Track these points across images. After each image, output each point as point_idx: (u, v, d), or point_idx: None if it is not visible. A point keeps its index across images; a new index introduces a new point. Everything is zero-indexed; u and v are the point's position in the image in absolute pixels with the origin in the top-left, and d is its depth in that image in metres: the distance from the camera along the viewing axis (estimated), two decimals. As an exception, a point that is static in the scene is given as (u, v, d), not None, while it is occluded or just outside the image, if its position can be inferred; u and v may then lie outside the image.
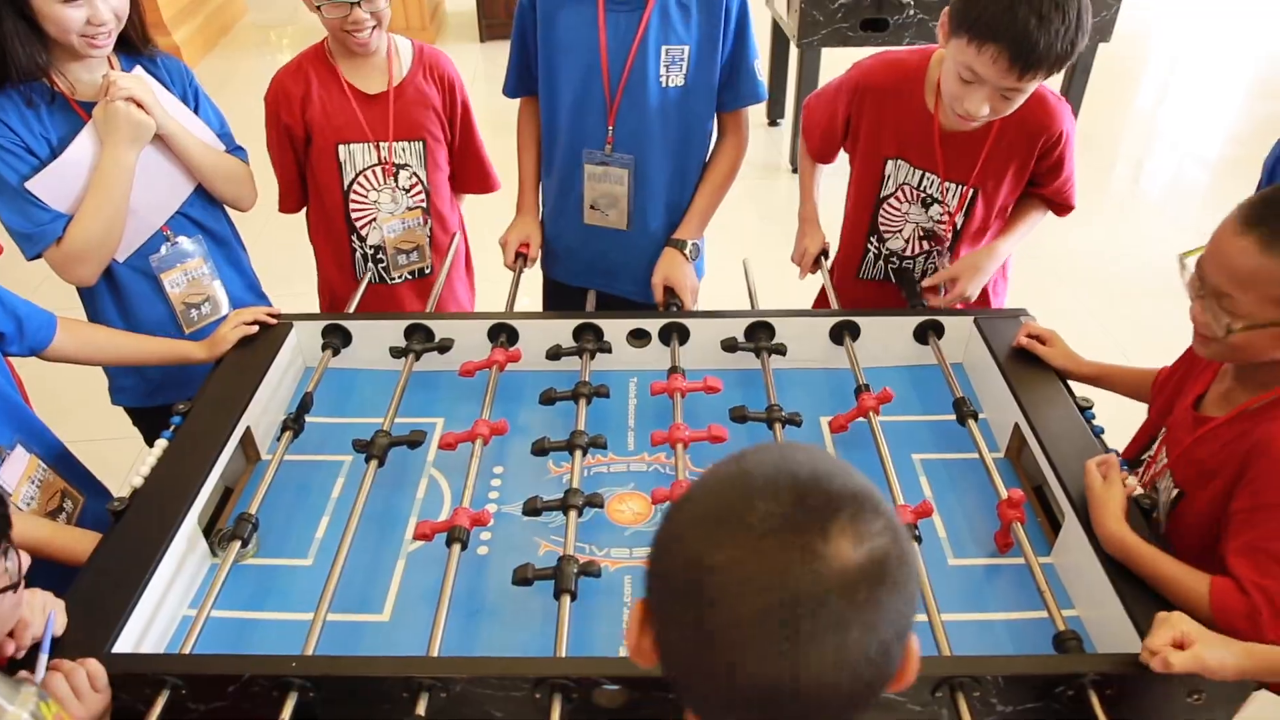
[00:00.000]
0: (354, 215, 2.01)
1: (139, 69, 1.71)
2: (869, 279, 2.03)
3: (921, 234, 1.93)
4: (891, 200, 1.92)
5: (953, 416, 1.63)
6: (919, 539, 1.35)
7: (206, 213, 1.86)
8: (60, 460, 1.54)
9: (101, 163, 1.64)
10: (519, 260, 2.09)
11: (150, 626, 1.28)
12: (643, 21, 1.78)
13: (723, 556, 0.59)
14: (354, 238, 2.04)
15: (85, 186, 1.64)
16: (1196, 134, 5.20)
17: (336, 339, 1.81)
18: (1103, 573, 1.26)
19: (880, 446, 1.52)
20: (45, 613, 1.14)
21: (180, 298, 1.83)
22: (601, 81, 1.83)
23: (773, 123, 5.23)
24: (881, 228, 1.96)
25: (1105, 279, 3.74)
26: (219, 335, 1.69)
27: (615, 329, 1.80)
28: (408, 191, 2.02)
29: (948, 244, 1.93)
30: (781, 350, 1.76)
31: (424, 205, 2.04)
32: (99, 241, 1.67)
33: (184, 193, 1.80)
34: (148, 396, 1.90)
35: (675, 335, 1.79)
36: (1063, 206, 1.92)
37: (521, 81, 1.99)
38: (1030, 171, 1.82)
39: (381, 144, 1.95)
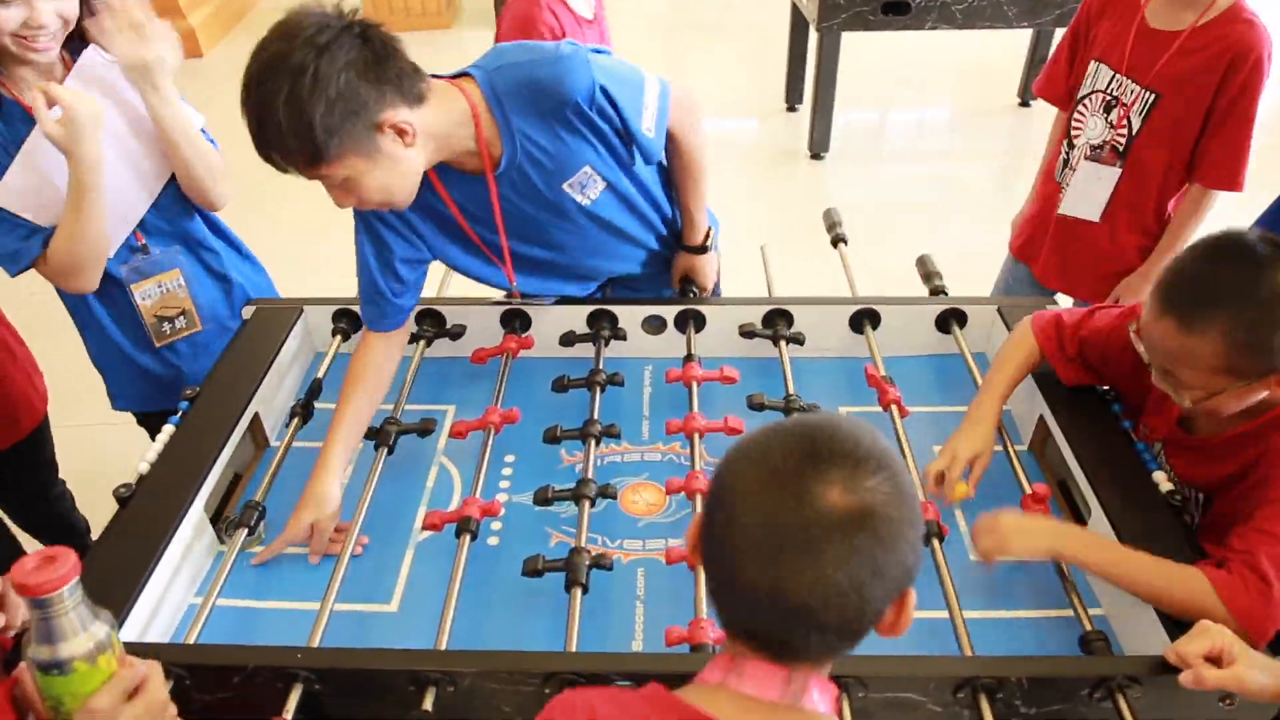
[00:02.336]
0: None
1: (91, 52, 1.57)
2: (1058, 182, 2.08)
3: (1089, 152, 1.96)
4: (1083, 103, 1.97)
5: (975, 408, 1.58)
6: (941, 536, 1.31)
7: (185, 219, 1.75)
8: None
9: (71, 171, 1.48)
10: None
11: (155, 615, 1.27)
12: (492, 191, 1.51)
13: (742, 483, 0.74)
14: None
15: (56, 191, 1.52)
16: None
17: (346, 323, 1.78)
18: (1131, 571, 1.22)
19: (900, 437, 1.49)
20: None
21: (151, 310, 1.72)
22: (484, 255, 1.62)
23: (791, 108, 5.16)
24: (1072, 131, 2.02)
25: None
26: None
27: (630, 315, 1.77)
28: None
29: (1118, 162, 1.93)
30: (800, 339, 1.73)
31: None
32: (89, 248, 1.55)
33: (160, 179, 1.67)
34: (147, 401, 1.85)
35: (691, 322, 1.76)
36: (1226, 177, 1.85)
37: (388, 308, 1.60)
38: (1213, 96, 1.79)
39: None
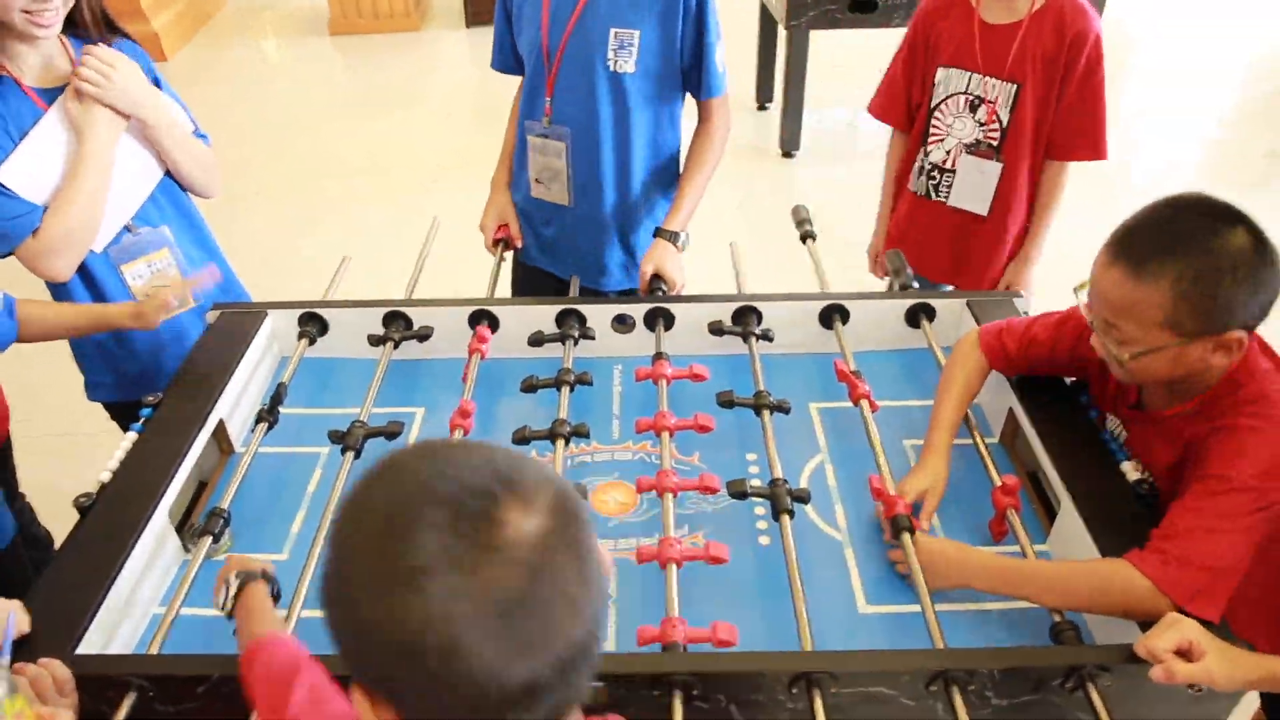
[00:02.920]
0: None
1: (103, 48, 1.63)
2: (913, 192, 2.17)
3: (965, 147, 2.03)
4: (939, 109, 2.04)
5: (945, 401, 1.58)
6: (913, 530, 1.31)
7: (174, 201, 1.79)
8: None
9: (82, 150, 1.56)
10: (499, 245, 2.05)
11: (118, 626, 1.24)
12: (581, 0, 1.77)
13: (438, 608, 0.57)
14: None
15: (59, 175, 1.57)
16: (1187, 117, 5.17)
17: (313, 327, 1.76)
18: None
19: (871, 432, 1.49)
20: (2, 614, 1.09)
21: (143, 290, 1.72)
22: (542, 55, 1.84)
23: (761, 106, 5.18)
24: (929, 139, 2.07)
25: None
26: (152, 304, 1.55)
27: (599, 314, 1.76)
28: None
29: (995, 155, 2.01)
30: (769, 336, 1.72)
31: None
32: (78, 232, 1.58)
33: (156, 176, 1.73)
34: (123, 391, 1.83)
35: (660, 320, 1.75)
36: (1091, 147, 1.97)
37: (502, 54, 1.99)
38: (1064, 72, 1.90)
39: None
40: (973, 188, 2.07)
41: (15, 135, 1.54)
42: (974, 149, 2.03)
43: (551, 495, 0.62)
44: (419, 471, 0.62)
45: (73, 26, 1.59)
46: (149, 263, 1.73)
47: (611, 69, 1.81)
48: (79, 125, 1.57)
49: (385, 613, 0.57)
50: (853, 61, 5.57)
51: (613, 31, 1.78)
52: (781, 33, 4.43)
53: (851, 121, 5.21)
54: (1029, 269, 2.11)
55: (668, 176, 2.00)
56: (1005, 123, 1.98)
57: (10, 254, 1.58)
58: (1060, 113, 1.95)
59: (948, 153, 2.07)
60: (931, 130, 2.08)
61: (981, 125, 2.01)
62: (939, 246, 2.17)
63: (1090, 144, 1.97)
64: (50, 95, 1.58)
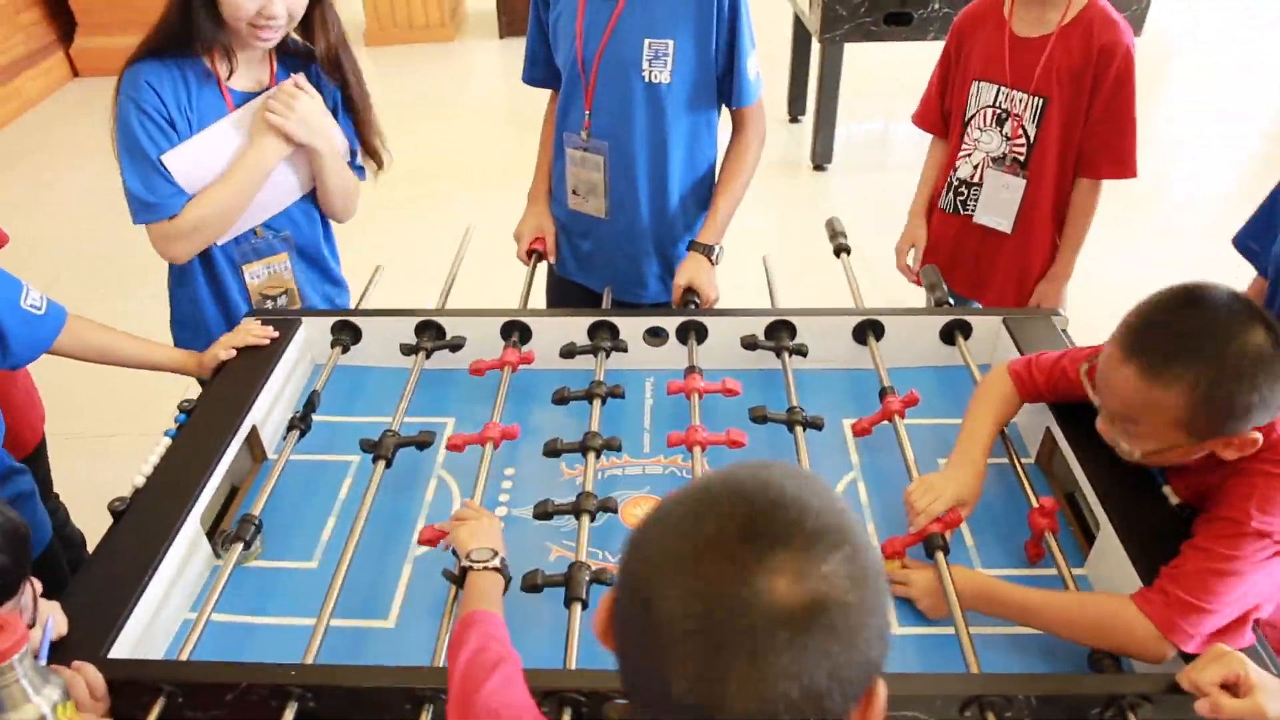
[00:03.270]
0: None
1: (300, 77, 1.74)
2: (941, 209, 2.17)
3: (990, 162, 2.02)
4: (970, 124, 2.03)
5: (981, 420, 1.56)
6: (946, 549, 1.29)
7: (304, 212, 1.87)
8: None
9: (245, 157, 1.68)
10: (532, 256, 2.05)
11: (149, 630, 1.25)
12: (617, 10, 1.78)
13: (667, 566, 0.59)
14: None
15: (215, 171, 1.67)
16: (1229, 127, 5.09)
17: (346, 336, 1.77)
18: (1141, 586, 1.20)
19: (905, 451, 1.47)
20: (42, 616, 1.10)
21: (258, 288, 1.85)
22: (578, 68, 1.84)
23: (794, 119, 5.16)
24: (958, 156, 2.06)
25: (1130, 283, 3.65)
26: (208, 353, 1.66)
27: (631, 327, 1.76)
28: None
29: (1020, 171, 1.99)
30: (803, 351, 1.71)
31: None
32: (211, 226, 1.70)
33: (297, 195, 1.83)
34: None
35: (693, 334, 1.74)
36: (1118, 164, 1.94)
37: (533, 67, 2.00)
38: (1092, 87, 1.87)
39: None
40: (997, 204, 2.06)
41: (195, 125, 1.65)
42: (1000, 164, 2.02)
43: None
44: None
45: (285, 50, 1.73)
46: (267, 265, 1.84)
47: (647, 80, 1.81)
48: (254, 136, 1.68)
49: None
50: (886, 75, 5.55)
51: (647, 42, 1.78)
52: (815, 45, 4.42)
53: (884, 134, 5.19)
54: (1059, 287, 2.08)
55: (704, 188, 1.99)
56: (1032, 138, 1.96)
57: (147, 223, 1.67)
58: (1088, 128, 1.93)
59: (975, 167, 2.06)
60: (962, 145, 2.07)
61: (1008, 140, 2.00)
62: (964, 262, 2.17)
63: (1117, 161, 1.94)
64: (241, 98, 1.69)
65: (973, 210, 2.10)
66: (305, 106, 1.71)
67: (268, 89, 1.73)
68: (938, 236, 2.20)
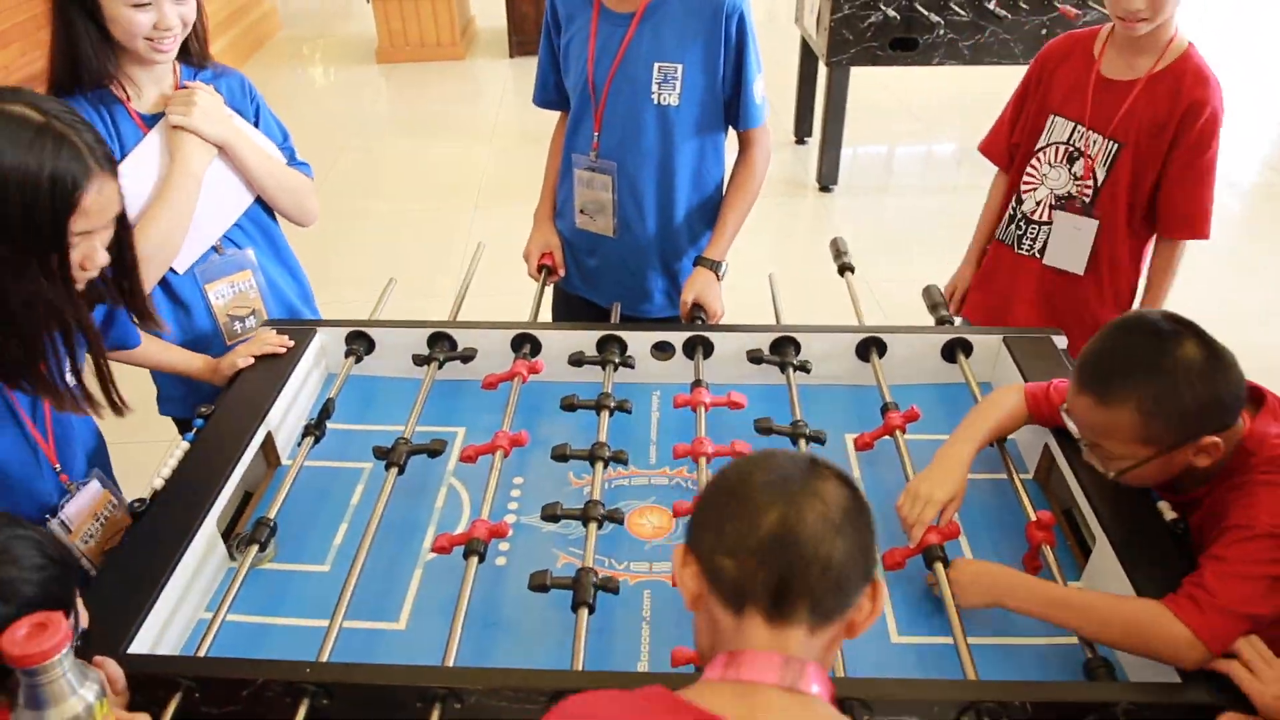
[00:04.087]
0: None
1: (197, 82, 1.72)
2: (1000, 240, 2.13)
3: (1054, 201, 1.97)
4: (1037, 156, 1.99)
5: (981, 436, 1.59)
6: (946, 560, 1.32)
7: (260, 226, 1.85)
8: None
9: (171, 172, 1.63)
10: (542, 272, 2.09)
11: (167, 628, 1.28)
12: (628, 35, 1.82)
13: (757, 474, 0.89)
14: None
15: (149, 194, 1.63)
16: (1230, 159, 5.13)
17: (360, 345, 1.80)
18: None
19: (906, 466, 1.50)
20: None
21: (224, 309, 1.81)
22: (589, 89, 1.88)
23: (800, 141, 5.22)
24: (1022, 188, 2.02)
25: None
26: (225, 360, 1.68)
27: (639, 341, 1.79)
28: None
29: (1086, 211, 1.94)
30: (807, 367, 1.74)
31: None
32: (160, 248, 1.64)
33: (244, 204, 1.79)
34: (192, 408, 1.88)
35: (700, 348, 1.78)
36: (1190, 227, 1.90)
37: (544, 90, 2.04)
38: (1172, 140, 1.83)
39: None
40: (1069, 246, 1.99)
41: (120, 155, 1.61)
42: (1065, 202, 1.97)
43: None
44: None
45: (184, 54, 1.69)
46: (231, 283, 1.80)
47: (656, 102, 1.85)
48: (172, 149, 1.64)
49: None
50: (891, 99, 5.61)
51: (656, 66, 1.83)
52: (822, 69, 4.48)
53: (889, 157, 5.24)
54: None
55: (710, 207, 2.03)
56: (1100, 181, 1.93)
57: None
58: (1164, 185, 1.89)
59: (1038, 203, 2.01)
60: (1025, 178, 2.03)
61: (1076, 179, 1.95)
62: (1025, 301, 2.09)
63: (1189, 224, 1.90)
64: (154, 120, 1.66)
65: (1029, 247, 2.05)
66: (204, 101, 1.66)
67: None
68: (993, 266, 2.15)
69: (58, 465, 1.38)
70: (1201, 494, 1.29)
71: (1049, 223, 2.01)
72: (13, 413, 1.31)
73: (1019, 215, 2.06)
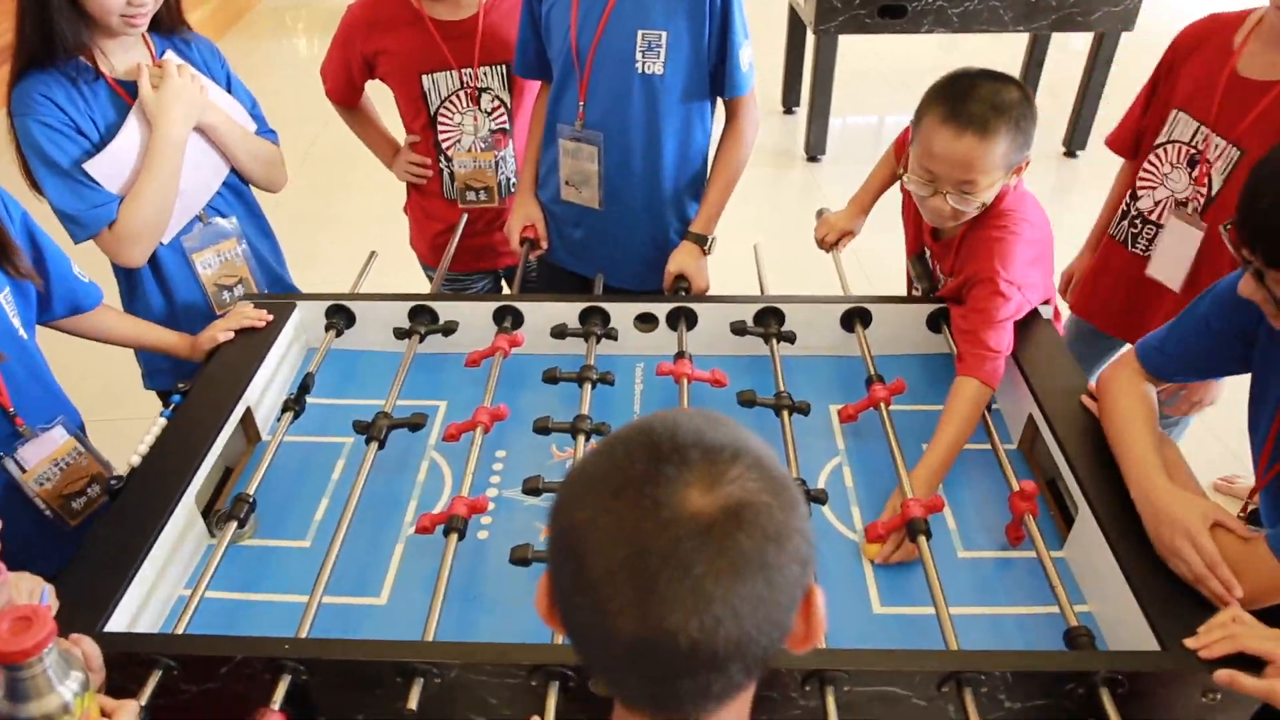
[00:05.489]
0: (442, 140, 2.13)
1: (171, 52, 1.72)
2: (1111, 235, 1.99)
3: (1176, 203, 1.79)
4: (1157, 153, 1.83)
5: (965, 407, 1.59)
6: (929, 534, 1.32)
7: (239, 195, 1.87)
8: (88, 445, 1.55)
9: (153, 140, 1.64)
10: (525, 245, 2.07)
11: (145, 606, 1.27)
12: (610, 2, 1.79)
13: (585, 515, 0.61)
14: (442, 159, 2.16)
15: (135, 168, 1.65)
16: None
17: (340, 319, 1.79)
18: (1116, 568, 1.23)
19: (890, 437, 1.49)
20: (34, 597, 1.12)
21: (212, 279, 1.83)
22: (572, 59, 1.86)
23: (788, 110, 5.18)
24: (1138, 182, 1.88)
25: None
26: (204, 335, 1.68)
27: (622, 313, 1.78)
28: (489, 114, 2.10)
29: (1198, 214, 1.75)
30: (791, 337, 1.73)
31: (506, 127, 2.14)
32: (153, 220, 1.68)
33: (223, 172, 1.81)
34: (179, 378, 1.87)
35: (683, 320, 1.77)
36: None
37: (525, 59, 2.00)
38: None
39: (465, 70, 2.05)
40: (1172, 255, 1.82)
41: (100, 125, 1.63)
42: (1183, 208, 1.79)
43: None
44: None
45: (154, 24, 1.68)
46: (218, 252, 1.82)
47: (640, 71, 1.83)
48: (152, 118, 1.64)
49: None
50: (880, 67, 5.57)
51: (639, 33, 1.80)
52: (810, 37, 4.44)
53: (877, 127, 5.21)
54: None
55: (697, 177, 2.01)
56: (1214, 191, 1.73)
57: (89, 239, 1.65)
58: None
59: (1156, 203, 1.85)
60: (1143, 172, 1.86)
61: (1194, 184, 1.76)
62: (1118, 298, 1.98)
63: None
64: (131, 88, 1.66)
65: (1142, 249, 1.89)
66: (174, 83, 1.65)
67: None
68: (1103, 262, 2.01)
69: (11, 408, 1.39)
70: (957, 240, 1.63)
71: (1164, 225, 1.84)
72: None
73: (1133, 211, 1.90)
